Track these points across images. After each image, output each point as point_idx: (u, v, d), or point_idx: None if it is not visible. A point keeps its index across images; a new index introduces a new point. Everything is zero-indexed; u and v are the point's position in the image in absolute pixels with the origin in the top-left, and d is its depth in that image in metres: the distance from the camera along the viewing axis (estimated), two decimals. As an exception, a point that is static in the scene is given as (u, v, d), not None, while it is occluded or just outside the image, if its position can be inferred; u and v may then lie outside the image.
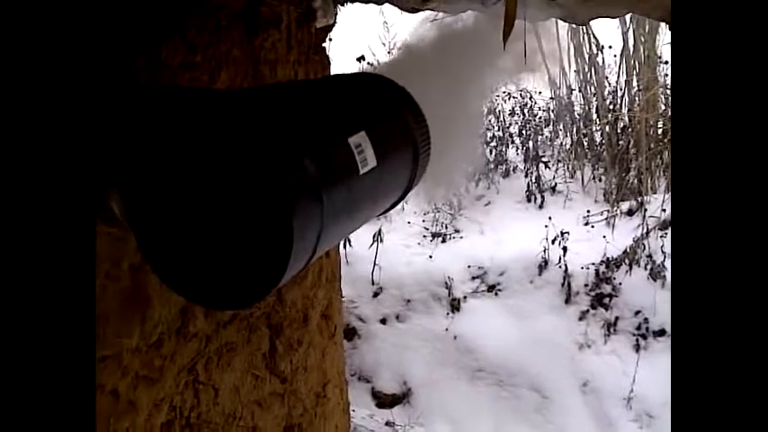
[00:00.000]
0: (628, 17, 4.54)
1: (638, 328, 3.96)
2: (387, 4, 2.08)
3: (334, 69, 1.67)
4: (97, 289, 1.00)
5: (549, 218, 4.33)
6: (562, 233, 4.18)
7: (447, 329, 4.19)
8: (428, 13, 1.80)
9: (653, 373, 3.70)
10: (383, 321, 4.23)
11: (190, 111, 0.69)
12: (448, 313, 4.31)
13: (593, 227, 4.57)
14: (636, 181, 4.90)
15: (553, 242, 4.25)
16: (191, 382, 1.21)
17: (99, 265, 1.00)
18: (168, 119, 0.70)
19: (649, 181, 4.89)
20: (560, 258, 4.20)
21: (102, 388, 1.00)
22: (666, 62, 4.98)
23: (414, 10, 2.34)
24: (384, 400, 3.84)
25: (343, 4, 1.71)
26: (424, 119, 0.95)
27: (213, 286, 0.72)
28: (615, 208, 4.63)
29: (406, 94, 0.97)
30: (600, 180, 5.31)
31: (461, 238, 4.84)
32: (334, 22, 1.66)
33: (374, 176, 0.80)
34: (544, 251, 4.29)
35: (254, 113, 0.69)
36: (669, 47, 5.30)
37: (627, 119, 5.14)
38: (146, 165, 0.72)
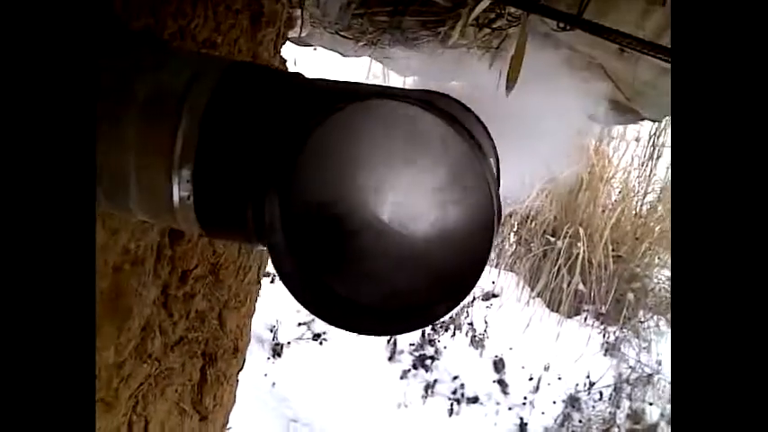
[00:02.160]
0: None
1: (454, 392, 4.09)
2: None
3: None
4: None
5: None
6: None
7: (266, 375, 4.02)
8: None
9: (463, 438, 3.84)
10: (202, 359, 3.96)
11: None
12: (269, 358, 4.15)
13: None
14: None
15: (384, 298, 4.30)
16: (130, 412, 1.01)
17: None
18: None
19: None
20: (390, 315, 4.24)
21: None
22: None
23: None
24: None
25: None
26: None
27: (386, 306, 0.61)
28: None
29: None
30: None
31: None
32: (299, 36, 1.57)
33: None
34: (375, 306, 4.31)
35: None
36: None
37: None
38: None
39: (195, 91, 0.68)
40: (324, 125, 0.62)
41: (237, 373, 1.52)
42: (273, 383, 4.02)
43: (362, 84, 0.77)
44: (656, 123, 5.27)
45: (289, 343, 4.24)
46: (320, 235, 0.67)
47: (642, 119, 1.91)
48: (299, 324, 4.35)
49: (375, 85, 0.72)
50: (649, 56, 1.09)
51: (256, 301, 1.48)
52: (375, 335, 0.65)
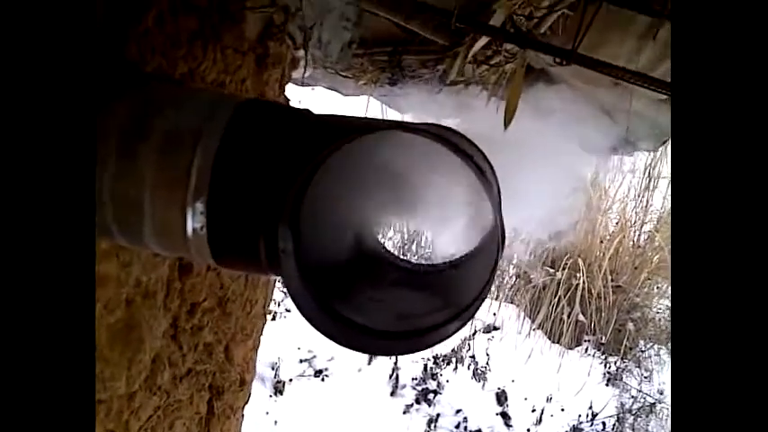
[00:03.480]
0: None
1: (457, 426, 4.06)
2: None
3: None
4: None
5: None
6: (398, 325, 4.23)
7: (268, 413, 3.99)
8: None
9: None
10: (203, 397, 3.93)
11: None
12: (271, 395, 4.12)
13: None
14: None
15: (385, 333, 4.29)
16: (139, 446, 1.02)
17: (103, 293, 0.83)
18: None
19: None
20: (392, 350, 4.23)
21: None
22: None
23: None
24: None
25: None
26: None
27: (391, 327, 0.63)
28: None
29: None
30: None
31: (292, 317, 4.72)
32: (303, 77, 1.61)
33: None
34: (376, 341, 4.31)
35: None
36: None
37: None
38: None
39: (209, 127, 0.71)
40: (334, 156, 0.65)
41: (243, 407, 1.52)
42: (276, 422, 3.98)
43: (371, 118, 0.80)
44: (651, 154, 5.33)
45: (291, 380, 4.21)
46: (330, 263, 0.69)
47: (637, 149, 1.95)
48: (301, 361, 4.33)
49: (385, 120, 0.75)
50: (644, 87, 1.12)
51: (262, 334, 1.49)
52: (386, 355, 0.66)
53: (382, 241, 0.80)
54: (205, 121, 0.72)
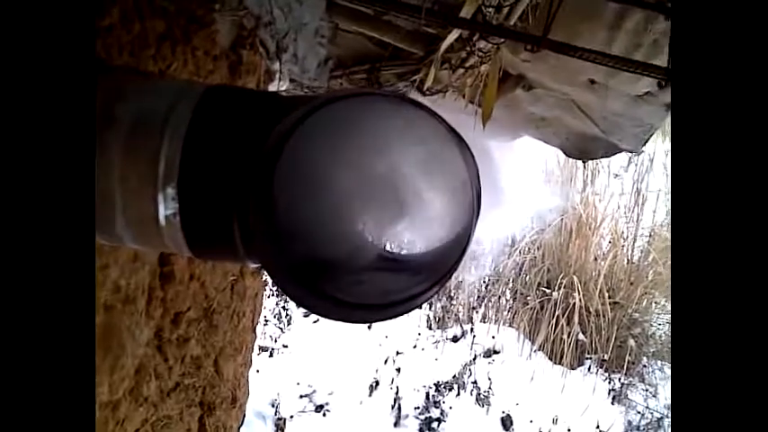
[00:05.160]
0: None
1: (464, 454, 3.99)
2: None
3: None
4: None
5: (386, 336, 4.34)
6: (397, 353, 4.20)
7: (270, 452, 3.92)
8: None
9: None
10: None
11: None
12: (272, 433, 4.05)
13: (423, 350, 4.64)
14: (457, 309, 5.12)
15: (385, 362, 4.25)
16: (127, 460, 0.99)
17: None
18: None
19: (470, 311, 5.13)
20: (393, 380, 4.18)
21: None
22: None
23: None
24: None
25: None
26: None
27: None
28: (443, 333, 4.77)
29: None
30: (420, 307, 5.47)
31: (290, 353, 4.66)
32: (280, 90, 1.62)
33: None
34: (376, 371, 4.25)
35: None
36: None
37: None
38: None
39: (176, 113, 0.71)
40: (300, 130, 0.64)
41: (238, 429, 1.49)
42: (278, 460, 3.91)
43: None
44: (637, 169, 5.36)
45: (291, 417, 4.15)
46: (304, 239, 0.68)
47: (620, 150, 1.95)
48: (301, 396, 4.27)
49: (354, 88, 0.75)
50: (619, 69, 1.13)
51: (252, 351, 1.47)
52: (365, 323, 0.65)
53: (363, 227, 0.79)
54: (172, 106, 0.71)
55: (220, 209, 0.69)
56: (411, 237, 0.75)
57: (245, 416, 1.50)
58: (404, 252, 0.79)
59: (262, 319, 4.58)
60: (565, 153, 2.10)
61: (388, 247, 0.78)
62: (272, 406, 4.14)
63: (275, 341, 4.73)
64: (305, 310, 5.26)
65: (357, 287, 0.72)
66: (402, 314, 0.65)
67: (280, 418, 4.10)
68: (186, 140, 0.70)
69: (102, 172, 0.71)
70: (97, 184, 0.71)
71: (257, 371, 4.27)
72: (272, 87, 1.51)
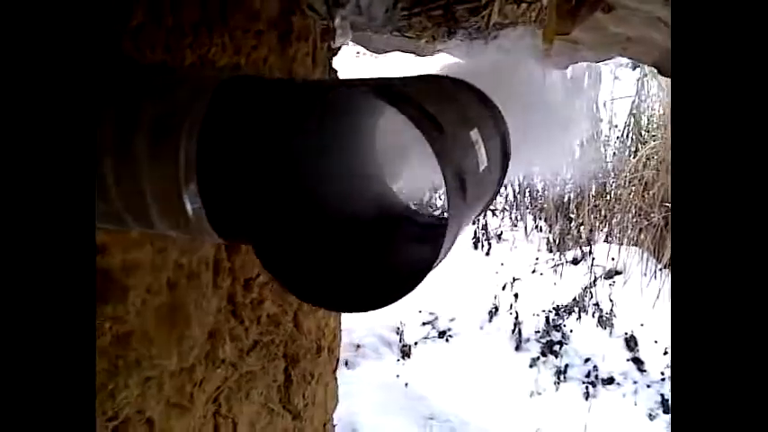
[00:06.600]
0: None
1: (588, 375, 3.98)
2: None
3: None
4: (137, 304, 0.89)
5: (502, 264, 4.35)
6: (513, 279, 4.20)
7: (398, 376, 4.09)
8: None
9: (603, 421, 3.71)
10: (332, 367, 4.09)
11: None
12: (398, 359, 4.22)
13: (541, 274, 4.61)
14: (577, 231, 5.00)
15: (503, 288, 4.27)
16: (212, 414, 1.09)
17: (141, 278, 0.90)
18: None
19: (590, 232, 5.00)
20: (511, 305, 4.20)
21: (142, 414, 0.88)
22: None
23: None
24: (334, 449, 3.68)
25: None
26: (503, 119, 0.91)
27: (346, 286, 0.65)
28: (561, 256, 4.70)
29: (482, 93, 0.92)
30: (541, 230, 5.39)
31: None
32: (347, 43, 1.62)
33: (485, 176, 0.76)
34: (494, 297, 4.29)
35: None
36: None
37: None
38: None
39: (192, 109, 0.75)
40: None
41: (333, 372, 1.58)
42: (406, 384, 4.07)
43: (356, 79, 0.80)
44: None
45: (416, 343, 4.30)
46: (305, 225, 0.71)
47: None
48: (423, 323, 4.40)
49: (365, 79, 0.76)
50: None
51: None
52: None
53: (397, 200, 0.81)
54: (188, 103, 0.76)
55: (241, 200, 0.74)
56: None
57: (338, 360, 1.59)
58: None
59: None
60: (659, 72, 1.97)
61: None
62: (397, 333, 4.30)
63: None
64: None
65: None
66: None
67: (405, 345, 4.26)
68: (201, 135, 0.74)
69: (134, 171, 0.77)
70: (131, 183, 0.78)
71: (380, 301, 4.43)
72: (336, 44, 1.51)
